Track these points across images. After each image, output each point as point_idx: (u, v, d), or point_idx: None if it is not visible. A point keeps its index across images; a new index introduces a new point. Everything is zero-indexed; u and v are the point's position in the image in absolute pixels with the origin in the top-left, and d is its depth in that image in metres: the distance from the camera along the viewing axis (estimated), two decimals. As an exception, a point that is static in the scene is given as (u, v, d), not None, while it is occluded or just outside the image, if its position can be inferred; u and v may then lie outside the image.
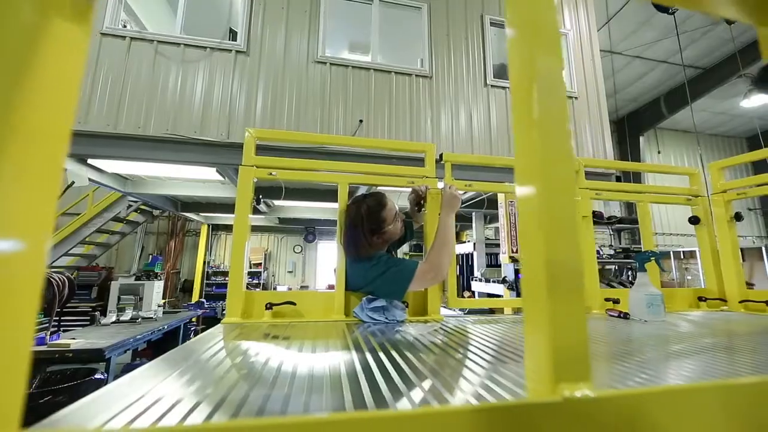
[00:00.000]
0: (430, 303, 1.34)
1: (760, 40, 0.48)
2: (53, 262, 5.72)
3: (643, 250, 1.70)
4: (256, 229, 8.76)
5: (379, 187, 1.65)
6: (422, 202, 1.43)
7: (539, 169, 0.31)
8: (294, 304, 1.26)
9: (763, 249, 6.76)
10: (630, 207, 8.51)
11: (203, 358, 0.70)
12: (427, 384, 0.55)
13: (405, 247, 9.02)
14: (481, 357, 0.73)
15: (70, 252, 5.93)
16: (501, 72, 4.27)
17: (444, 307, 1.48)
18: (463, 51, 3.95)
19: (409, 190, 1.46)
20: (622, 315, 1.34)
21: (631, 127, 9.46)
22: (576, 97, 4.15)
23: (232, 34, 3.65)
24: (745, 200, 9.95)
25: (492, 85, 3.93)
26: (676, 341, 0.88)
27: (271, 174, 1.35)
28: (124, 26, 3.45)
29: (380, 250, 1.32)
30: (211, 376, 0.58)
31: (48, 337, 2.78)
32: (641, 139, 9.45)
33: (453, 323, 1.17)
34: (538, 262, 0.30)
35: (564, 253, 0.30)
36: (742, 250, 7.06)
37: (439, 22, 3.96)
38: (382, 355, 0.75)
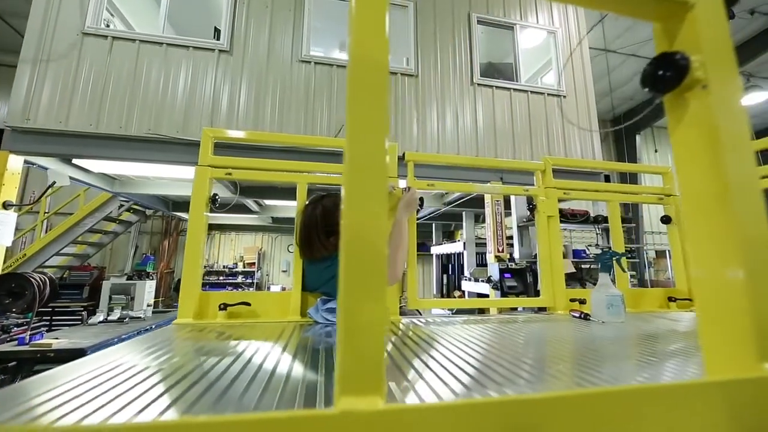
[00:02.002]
0: (389, 304, 1.33)
1: (655, 35, 0.47)
2: (45, 261, 5.73)
3: (612, 249, 1.68)
4: (250, 228, 8.76)
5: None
6: (383, 201, 1.41)
7: (349, 150, 0.30)
8: (249, 304, 1.25)
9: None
10: (625, 207, 8.47)
11: (133, 357, 0.68)
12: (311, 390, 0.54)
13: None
14: (395, 361, 0.72)
15: (62, 252, 5.93)
16: (488, 71, 4.25)
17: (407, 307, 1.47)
18: (449, 49, 3.93)
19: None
20: (582, 316, 1.32)
21: (628, 127, 9.41)
22: (564, 96, 4.12)
23: (217, 33, 3.64)
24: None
25: (479, 84, 3.90)
26: (609, 344, 0.87)
27: (228, 174, 1.34)
28: (107, 26, 3.44)
29: (338, 251, 1.31)
30: (128, 373, 0.57)
31: (28, 336, 2.78)
32: (638, 138, 9.40)
33: (406, 324, 1.16)
34: (344, 253, 0.29)
35: (363, 245, 0.29)
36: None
37: (425, 21, 3.94)
38: (306, 356, 0.74)
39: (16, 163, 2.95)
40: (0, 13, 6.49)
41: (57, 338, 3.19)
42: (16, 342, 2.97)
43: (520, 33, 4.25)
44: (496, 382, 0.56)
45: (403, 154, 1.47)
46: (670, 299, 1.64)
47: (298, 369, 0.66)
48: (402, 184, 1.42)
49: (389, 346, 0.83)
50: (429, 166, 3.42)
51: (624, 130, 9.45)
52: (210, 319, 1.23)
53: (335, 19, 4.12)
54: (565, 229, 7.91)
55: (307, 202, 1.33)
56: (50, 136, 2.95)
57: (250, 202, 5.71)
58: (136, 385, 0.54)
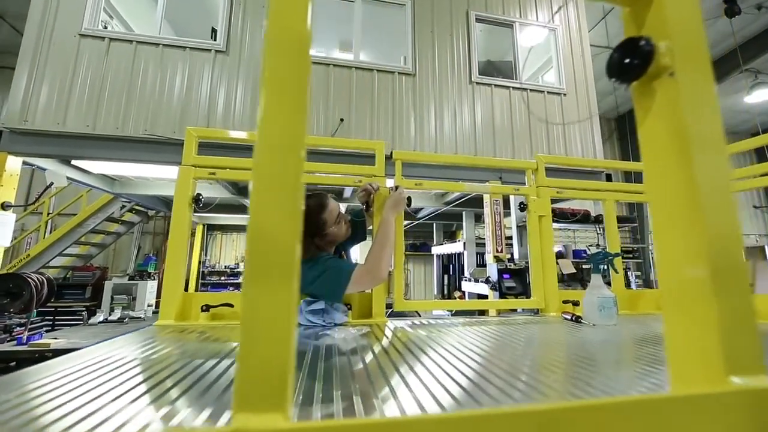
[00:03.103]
0: (375, 305, 1.30)
1: (624, 20, 0.44)
2: (49, 261, 5.78)
3: (608, 250, 1.64)
4: (252, 228, 8.79)
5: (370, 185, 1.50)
6: (369, 201, 1.39)
7: (260, 132, 0.28)
8: (231, 306, 1.23)
9: (766, 248, 6.59)
10: (630, 206, 8.35)
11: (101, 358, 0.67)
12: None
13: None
14: (369, 371, 0.70)
15: (65, 252, 5.98)
16: (487, 69, 4.20)
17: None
18: (447, 48, 3.89)
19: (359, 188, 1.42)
20: (573, 318, 1.28)
21: (632, 124, 9.28)
22: (564, 94, 4.06)
23: (214, 34, 3.64)
24: (752, 197, 9.73)
25: (477, 83, 3.86)
26: (592, 350, 0.83)
27: (212, 174, 1.32)
28: (105, 27, 3.45)
29: (324, 252, 1.29)
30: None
31: (25, 336, 2.79)
32: (642, 136, 9.26)
33: (393, 328, 1.13)
34: (248, 250, 0.27)
35: (269, 242, 0.26)
36: (745, 248, 6.94)
37: (423, 19, 3.90)
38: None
39: (14, 164, 2.97)
40: (5, 16, 6.57)
41: (56, 338, 3.21)
42: (15, 342, 3.00)
43: (519, 31, 4.20)
44: (474, 398, 0.53)
45: (391, 153, 1.44)
46: (667, 301, 1.59)
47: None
48: (389, 183, 1.40)
49: (368, 356, 0.80)
50: (428, 165, 3.39)
51: (629, 128, 9.33)
52: (192, 320, 1.21)
53: (333, 19, 4.11)
54: (567, 229, 7.82)
55: (291, 202, 1.31)
56: (48, 138, 2.96)
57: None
58: (90, 390, 0.52)
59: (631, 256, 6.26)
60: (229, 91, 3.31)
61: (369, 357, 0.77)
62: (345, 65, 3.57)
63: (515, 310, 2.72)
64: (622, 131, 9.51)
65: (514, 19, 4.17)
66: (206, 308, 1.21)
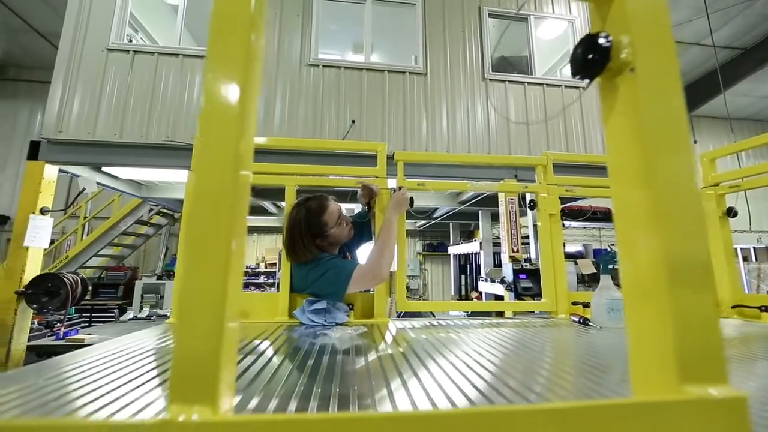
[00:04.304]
0: (377, 306, 1.31)
1: (591, 15, 0.42)
2: (86, 262, 6.18)
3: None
4: (270, 230, 9.01)
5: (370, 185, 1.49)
6: (371, 202, 1.40)
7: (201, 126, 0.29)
8: (238, 305, 1.28)
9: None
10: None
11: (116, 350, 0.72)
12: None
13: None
14: (313, 366, 0.71)
15: (100, 253, 6.37)
16: (501, 65, 4.11)
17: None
18: (459, 45, 3.84)
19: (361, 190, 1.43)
20: (581, 320, 1.24)
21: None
22: (584, 87, 3.90)
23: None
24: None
25: (491, 79, 3.79)
26: (588, 355, 0.81)
27: (219, 177, 1.37)
28: (130, 41, 3.65)
29: (327, 252, 1.31)
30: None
31: (62, 332, 3.01)
32: (673, 128, 8.76)
33: (392, 329, 1.13)
34: (185, 246, 0.28)
35: (204, 239, 0.28)
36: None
37: (434, 17, 3.87)
38: (275, 355, 0.74)
39: (51, 172, 3.20)
40: (46, 35, 7.07)
41: (90, 334, 3.45)
42: (54, 337, 3.25)
43: (536, 24, 4.09)
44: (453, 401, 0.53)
45: (393, 154, 1.44)
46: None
47: (256, 367, 0.67)
48: (391, 183, 1.41)
49: (361, 361, 0.80)
50: (440, 165, 3.36)
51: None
52: (202, 319, 1.27)
53: (346, 21, 4.16)
54: (592, 228, 7.52)
55: (293, 205, 1.34)
56: (80, 146, 3.17)
57: (268, 205, 5.87)
58: (95, 380, 0.57)
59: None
60: (245, 96, 3.41)
61: (359, 358, 0.78)
62: (356, 67, 3.60)
63: (532, 312, 2.65)
64: (650, 124, 9.03)
65: (529, 12, 4.06)
66: (214, 307, 1.26)
